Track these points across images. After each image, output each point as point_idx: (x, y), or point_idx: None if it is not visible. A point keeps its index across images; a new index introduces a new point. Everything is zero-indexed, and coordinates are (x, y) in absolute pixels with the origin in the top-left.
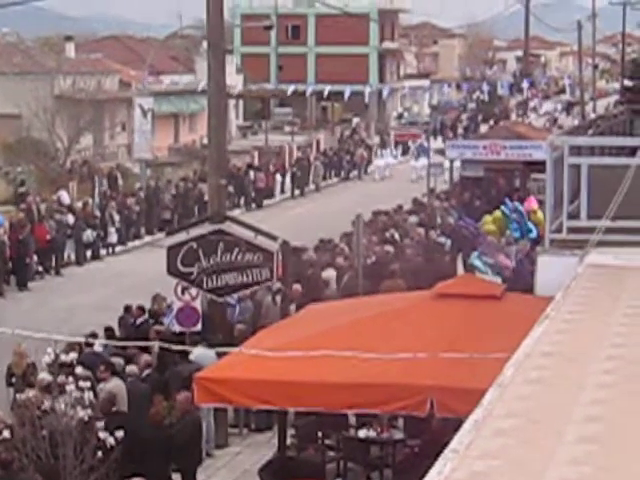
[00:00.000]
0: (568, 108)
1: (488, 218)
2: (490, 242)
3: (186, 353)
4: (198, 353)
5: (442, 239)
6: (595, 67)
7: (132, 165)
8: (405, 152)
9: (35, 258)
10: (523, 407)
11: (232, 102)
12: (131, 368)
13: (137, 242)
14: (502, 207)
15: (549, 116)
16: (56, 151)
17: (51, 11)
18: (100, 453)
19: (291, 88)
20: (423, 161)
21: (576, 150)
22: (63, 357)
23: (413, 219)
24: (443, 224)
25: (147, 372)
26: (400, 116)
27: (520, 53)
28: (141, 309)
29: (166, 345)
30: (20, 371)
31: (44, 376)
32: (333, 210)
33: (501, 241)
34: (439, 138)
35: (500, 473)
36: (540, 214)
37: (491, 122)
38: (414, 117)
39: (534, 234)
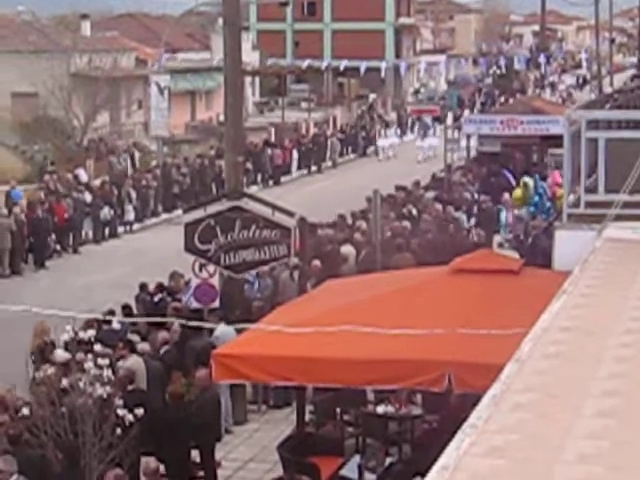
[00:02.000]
0: (582, 83)
1: (524, 180)
2: (507, 199)
3: (202, 329)
4: (221, 330)
5: (458, 214)
6: (612, 41)
7: (149, 143)
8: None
9: (53, 236)
10: (541, 382)
11: (248, 79)
12: (142, 346)
13: (154, 219)
14: (527, 179)
15: (566, 91)
16: (73, 129)
17: None
18: (119, 430)
19: (306, 63)
20: (429, 141)
21: (594, 124)
22: (81, 335)
23: (430, 194)
24: (460, 200)
25: (165, 349)
26: (417, 92)
27: (537, 28)
28: (159, 286)
29: (186, 322)
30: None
31: (60, 353)
32: (350, 186)
33: (521, 208)
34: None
35: (518, 447)
36: None
37: (502, 99)
38: (431, 93)
39: (549, 217)
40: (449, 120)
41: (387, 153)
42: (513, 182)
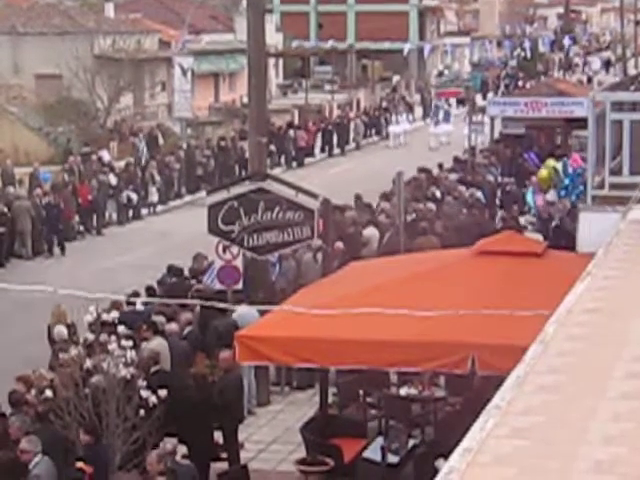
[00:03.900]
0: (607, 65)
1: (549, 162)
2: (535, 181)
3: (226, 311)
4: (241, 311)
5: (479, 194)
6: (637, 23)
7: (172, 124)
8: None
9: (77, 218)
10: (565, 363)
11: (272, 61)
12: (170, 326)
13: (178, 201)
14: (562, 161)
15: (588, 73)
16: (96, 111)
17: None
18: (142, 411)
19: (329, 44)
20: (442, 127)
21: (618, 106)
22: (105, 316)
23: (454, 176)
24: (483, 182)
25: (188, 329)
26: (440, 74)
27: (561, 10)
28: (181, 269)
29: (208, 303)
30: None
31: (61, 329)
32: (374, 168)
33: (548, 189)
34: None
35: (542, 429)
36: None
37: (520, 82)
38: (454, 75)
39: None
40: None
41: (398, 140)
42: (539, 164)
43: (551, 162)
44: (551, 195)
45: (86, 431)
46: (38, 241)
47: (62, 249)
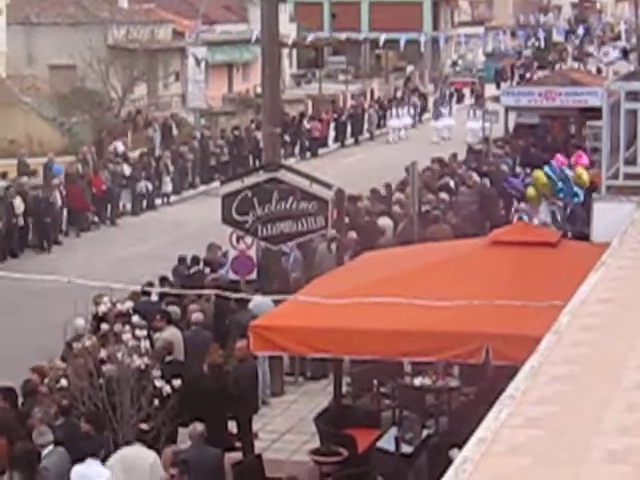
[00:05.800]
0: (624, 55)
1: (537, 174)
2: (524, 207)
3: (243, 301)
4: (257, 301)
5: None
6: None
7: (186, 115)
8: (460, 100)
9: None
10: (579, 354)
11: (285, 51)
12: (197, 316)
13: (192, 191)
14: (546, 169)
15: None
16: (110, 101)
17: None
18: (156, 401)
19: (344, 35)
20: (444, 121)
21: (632, 96)
22: (119, 306)
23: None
24: (497, 172)
25: (200, 319)
26: (454, 64)
27: None
28: (195, 259)
29: (224, 293)
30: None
31: (80, 322)
32: (387, 158)
33: (541, 205)
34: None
35: (556, 419)
36: (585, 176)
37: (528, 74)
38: (468, 65)
39: (579, 199)
40: (487, 93)
41: (398, 135)
42: (521, 188)
43: (538, 173)
44: (543, 213)
45: (87, 420)
46: (53, 232)
47: (49, 246)
